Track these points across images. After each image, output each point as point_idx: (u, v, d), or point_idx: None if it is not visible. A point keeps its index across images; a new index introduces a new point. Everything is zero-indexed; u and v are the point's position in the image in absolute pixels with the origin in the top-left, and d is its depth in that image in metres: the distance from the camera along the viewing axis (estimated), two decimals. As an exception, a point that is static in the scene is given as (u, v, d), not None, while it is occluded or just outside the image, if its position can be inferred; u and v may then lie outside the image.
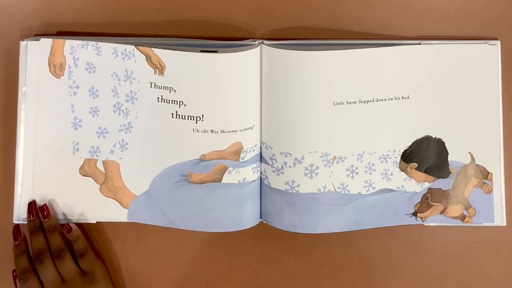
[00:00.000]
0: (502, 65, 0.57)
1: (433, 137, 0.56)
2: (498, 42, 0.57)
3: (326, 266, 0.59)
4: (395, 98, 0.56)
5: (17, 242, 0.55)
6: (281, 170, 0.56)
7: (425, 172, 0.57)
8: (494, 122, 0.56)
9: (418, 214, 0.57)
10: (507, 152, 0.57)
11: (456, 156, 0.57)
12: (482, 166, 0.56)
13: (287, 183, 0.56)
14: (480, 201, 0.56)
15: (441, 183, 0.57)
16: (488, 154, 0.56)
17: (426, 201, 0.57)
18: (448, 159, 0.57)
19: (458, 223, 0.57)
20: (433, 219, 0.57)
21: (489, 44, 0.57)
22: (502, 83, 0.57)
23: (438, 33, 0.59)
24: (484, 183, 0.56)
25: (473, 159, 0.56)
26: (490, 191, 0.56)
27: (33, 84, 0.55)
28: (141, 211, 0.56)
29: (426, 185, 0.57)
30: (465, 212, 0.56)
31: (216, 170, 0.55)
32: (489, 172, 0.56)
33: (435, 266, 0.58)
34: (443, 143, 0.57)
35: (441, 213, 0.57)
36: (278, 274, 0.59)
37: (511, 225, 0.57)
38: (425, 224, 0.57)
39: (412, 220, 0.57)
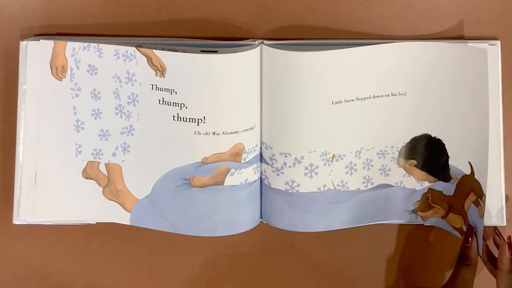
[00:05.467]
0: (502, 65, 0.57)
1: (433, 136, 0.56)
2: (498, 42, 0.57)
3: (326, 266, 0.59)
4: (392, 95, 0.55)
5: None
6: (281, 170, 0.55)
7: (425, 171, 0.57)
8: (494, 121, 0.56)
9: (418, 213, 0.56)
10: (507, 152, 0.57)
11: (456, 161, 0.56)
12: (479, 183, 0.54)
13: (287, 183, 0.55)
14: (476, 221, 0.54)
15: (442, 186, 0.56)
16: (488, 154, 0.55)
17: (427, 201, 0.56)
18: (450, 163, 0.56)
19: (458, 234, 0.56)
20: (434, 221, 0.56)
21: (489, 44, 0.56)
22: (502, 83, 0.56)
23: (438, 33, 0.59)
24: (479, 203, 0.54)
25: (472, 171, 0.55)
26: (482, 215, 0.54)
27: (33, 84, 0.55)
28: (144, 215, 0.56)
29: (426, 184, 0.57)
30: (464, 228, 0.55)
31: (218, 173, 0.55)
32: (483, 194, 0.54)
33: (436, 266, 0.59)
34: (443, 144, 0.56)
35: (442, 217, 0.56)
36: (278, 274, 0.59)
37: (511, 225, 0.57)
38: (425, 224, 0.57)
39: (412, 218, 0.57)
